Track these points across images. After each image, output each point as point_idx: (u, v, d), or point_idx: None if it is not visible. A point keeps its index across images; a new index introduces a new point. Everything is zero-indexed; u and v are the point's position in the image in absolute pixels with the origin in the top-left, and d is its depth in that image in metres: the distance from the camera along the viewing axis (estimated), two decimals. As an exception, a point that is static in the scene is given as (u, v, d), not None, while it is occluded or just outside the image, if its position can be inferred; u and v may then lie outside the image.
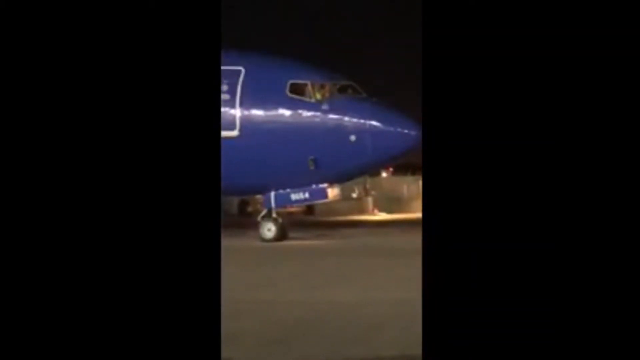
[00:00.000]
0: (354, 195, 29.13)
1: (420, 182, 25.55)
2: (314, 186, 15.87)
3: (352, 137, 15.38)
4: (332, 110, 15.67)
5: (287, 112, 15.87)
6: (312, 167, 15.43)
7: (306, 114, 15.77)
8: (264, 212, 16.35)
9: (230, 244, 13.91)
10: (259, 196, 17.83)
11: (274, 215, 16.08)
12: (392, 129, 15.33)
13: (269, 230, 15.93)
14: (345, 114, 15.65)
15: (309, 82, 15.84)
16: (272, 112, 15.95)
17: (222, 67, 15.56)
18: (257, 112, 15.96)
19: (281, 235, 15.92)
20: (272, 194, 16.00)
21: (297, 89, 15.80)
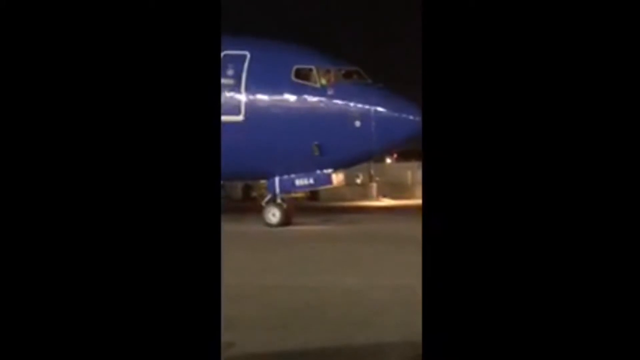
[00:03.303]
0: (358, 181, 29.25)
1: (425, 169, 25.56)
2: (318, 172, 15.86)
3: (357, 123, 15.37)
4: (337, 95, 15.65)
5: (292, 97, 15.85)
6: (316, 153, 15.43)
7: (311, 99, 15.74)
8: (268, 197, 16.36)
9: (234, 228, 13.97)
10: (263, 181, 17.85)
11: (279, 200, 16.10)
12: (397, 114, 15.31)
13: (273, 215, 15.95)
14: (350, 100, 15.63)
15: (314, 67, 15.80)
16: (277, 97, 15.93)
17: (228, 52, 15.64)
18: (262, 97, 15.94)
19: (285, 221, 15.94)
20: (277, 179, 16.01)
21: (303, 74, 15.77)
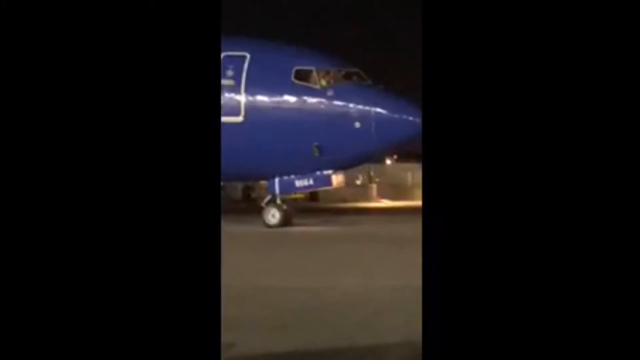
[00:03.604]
0: (358, 182, 29.27)
1: (425, 170, 25.57)
2: (318, 173, 15.87)
3: (357, 124, 15.38)
4: (337, 96, 15.66)
5: (292, 99, 15.86)
6: (316, 154, 15.44)
7: (311, 100, 15.75)
8: (268, 198, 16.37)
9: (233, 229, 13.96)
10: (263, 182, 17.86)
11: (278, 201, 16.09)
12: (397, 115, 15.32)
13: (273, 216, 15.96)
14: (350, 101, 15.64)
15: (314, 69, 15.81)
16: (277, 98, 15.94)
17: (227, 53, 15.65)
18: (262, 98, 15.95)
19: (285, 222, 15.94)
20: (277, 180, 16.01)
21: (303, 75, 15.77)
